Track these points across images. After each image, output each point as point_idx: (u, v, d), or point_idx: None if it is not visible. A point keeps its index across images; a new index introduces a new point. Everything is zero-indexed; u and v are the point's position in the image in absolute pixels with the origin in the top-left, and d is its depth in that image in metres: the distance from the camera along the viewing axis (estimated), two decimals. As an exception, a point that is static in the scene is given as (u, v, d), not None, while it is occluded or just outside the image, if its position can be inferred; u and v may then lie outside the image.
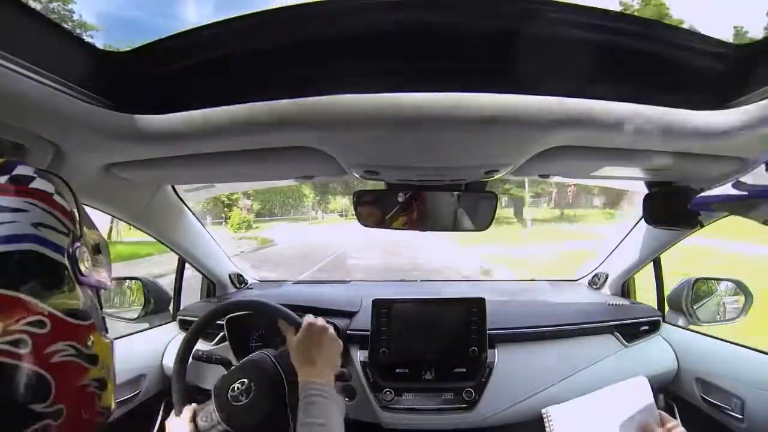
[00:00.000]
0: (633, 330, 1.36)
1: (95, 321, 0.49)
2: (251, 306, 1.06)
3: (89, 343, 0.46)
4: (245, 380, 0.91)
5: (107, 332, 0.54)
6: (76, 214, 0.49)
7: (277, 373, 0.92)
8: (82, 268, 0.47)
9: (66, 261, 0.45)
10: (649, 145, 0.78)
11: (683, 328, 1.36)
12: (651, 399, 1.05)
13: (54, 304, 0.42)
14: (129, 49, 0.63)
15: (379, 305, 1.25)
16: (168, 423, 0.95)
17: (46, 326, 0.41)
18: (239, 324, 1.28)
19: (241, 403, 0.90)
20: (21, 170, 0.46)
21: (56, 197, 0.47)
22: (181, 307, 1.52)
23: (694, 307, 1.36)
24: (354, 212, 1.08)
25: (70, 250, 0.46)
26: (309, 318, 0.92)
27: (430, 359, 1.22)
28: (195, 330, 1.04)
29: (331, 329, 0.92)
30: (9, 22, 0.49)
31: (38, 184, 0.46)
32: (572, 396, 1.20)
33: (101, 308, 0.56)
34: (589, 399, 1.12)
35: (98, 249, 0.53)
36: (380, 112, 0.64)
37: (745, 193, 0.54)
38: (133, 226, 1.23)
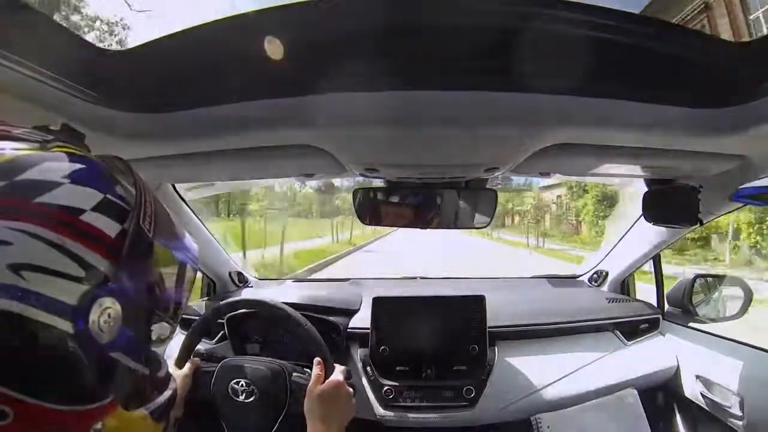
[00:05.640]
0: (633, 328, 1.36)
1: (120, 393, 0.36)
2: (291, 320, 0.96)
3: (94, 431, 0.34)
4: (252, 384, 0.90)
5: (157, 390, 0.42)
6: (130, 240, 0.36)
7: (284, 398, 0.90)
8: (96, 332, 0.33)
9: (65, 324, 0.31)
10: (649, 142, 0.78)
11: (683, 325, 1.36)
12: (641, 413, 1.08)
13: (27, 387, 0.30)
14: (129, 47, 0.63)
15: (379, 303, 1.25)
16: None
17: (7, 417, 0.29)
18: (240, 323, 1.28)
19: (236, 399, 0.90)
20: (32, 174, 0.32)
21: (88, 216, 0.33)
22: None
23: (694, 305, 1.36)
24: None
25: (80, 306, 0.32)
26: (340, 375, 0.89)
27: (430, 357, 1.23)
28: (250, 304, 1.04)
29: (353, 398, 0.89)
30: (8, 21, 0.49)
31: (55, 196, 0.32)
32: (572, 394, 1.21)
33: (149, 365, 0.41)
34: (580, 410, 1.15)
35: (155, 294, 0.40)
36: (380, 111, 0.64)
37: None
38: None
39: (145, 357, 0.41)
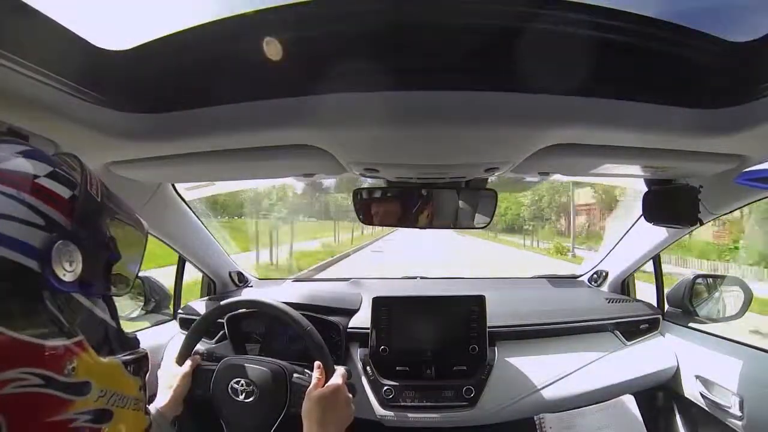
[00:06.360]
0: (633, 328, 1.36)
1: (90, 338, 0.41)
2: (293, 322, 0.95)
3: (68, 369, 0.37)
4: (252, 384, 0.90)
5: (125, 348, 0.47)
6: (81, 201, 0.42)
7: (284, 399, 0.90)
8: (59, 272, 0.38)
9: (32, 262, 0.36)
10: (649, 142, 0.78)
11: (683, 325, 1.36)
12: (639, 418, 1.09)
13: (4, 320, 0.34)
14: (129, 47, 0.62)
15: (379, 303, 1.25)
16: (164, 369, 0.94)
17: None
18: (240, 323, 1.28)
19: (236, 398, 0.89)
20: None
21: (42, 180, 0.39)
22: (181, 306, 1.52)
23: (694, 305, 1.36)
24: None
25: (44, 248, 0.37)
26: (340, 379, 0.87)
27: (430, 357, 1.23)
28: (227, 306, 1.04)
29: (352, 403, 0.88)
30: (8, 21, 0.49)
31: (14, 165, 0.38)
32: (571, 394, 1.21)
33: (115, 319, 0.48)
34: (581, 413, 1.16)
35: (109, 246, 0.45)
36: (380, 111, 0.64)
37: None
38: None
39: (111, 310, 0.47)
